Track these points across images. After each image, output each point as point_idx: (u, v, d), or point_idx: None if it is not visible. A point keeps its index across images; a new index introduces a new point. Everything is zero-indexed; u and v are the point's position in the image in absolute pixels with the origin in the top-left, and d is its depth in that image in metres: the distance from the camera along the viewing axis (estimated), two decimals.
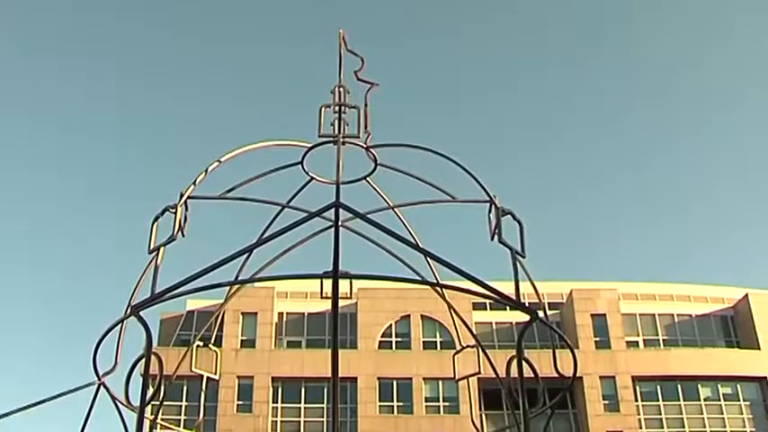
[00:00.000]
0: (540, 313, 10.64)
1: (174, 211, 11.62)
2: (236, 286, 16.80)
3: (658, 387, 67.30)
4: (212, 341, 18.12)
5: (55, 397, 13.34)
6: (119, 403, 13.04)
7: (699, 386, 67.45)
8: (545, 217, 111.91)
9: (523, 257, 11.23)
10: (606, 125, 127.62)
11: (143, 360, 10.05)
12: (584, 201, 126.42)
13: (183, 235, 11.52)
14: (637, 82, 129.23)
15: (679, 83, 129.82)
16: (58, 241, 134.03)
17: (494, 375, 15.34)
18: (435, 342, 67.49)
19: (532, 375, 10.69)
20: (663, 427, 66.07)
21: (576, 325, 67.76)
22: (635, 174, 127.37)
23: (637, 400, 66.38)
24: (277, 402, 66.09)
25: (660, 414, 66.56)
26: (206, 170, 13.19)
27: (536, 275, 12.26)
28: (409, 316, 68.56)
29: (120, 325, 11.69)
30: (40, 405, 13.21)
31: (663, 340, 70.86)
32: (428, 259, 14.42)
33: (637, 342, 70.20)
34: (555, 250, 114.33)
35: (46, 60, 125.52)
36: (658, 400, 67.04)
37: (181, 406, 60.32)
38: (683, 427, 66.19)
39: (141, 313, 10.36)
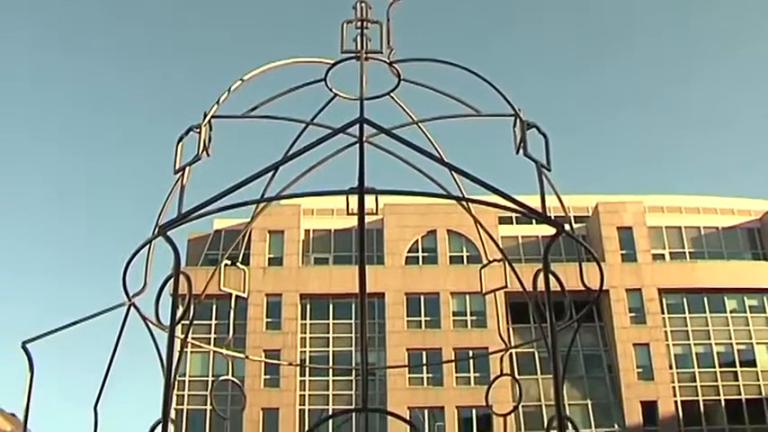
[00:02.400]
0: (567, 226, 10.59)
1: (198, 131, 11.61)
2: (263, 204, 16.82)
3: (684, 299, 67.42)
4: (240, 260, 18.20)
5: (86, 318, 13.48)
6: (149, 323, 13.17)
7: (725, 298, 67.53)
8: (571, 130, 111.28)
9: (549, 170, 11.14)
10: (634, 38, 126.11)
11: (172, 280, 10.11)
12: (610, 114, 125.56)
13: (208, 154, 11.49)
14: None
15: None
16: (83, 165, 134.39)
17: (520, 289, 15.36)
18: (462, 257, 67.69)
19: (559, 288, 10.69)
20: (689, 339, 66.34)
21: (602, 238, 67.77)
22: (661, 87, 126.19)
23: (663, 313, 66.59)
24: (305, 319, 66.71)
25: (686, 326, 66.79)
26: (229, 89, 13.13)
27: (562, 189, 12.15)
28: (435, 231, 68.70)
29: (148, 246, 11.75)
30: (71, 327, 13.35)
31: (689, 253, 70.81)
32: (453, 174, 14.36)
33: (663, 255, 70.19)
34: (581, 163, 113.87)
35: None
36: (684, 313, 67.21)
37: (210, 324, 61.00)
38: (709, 338, 66.44)
39: (169, 233, 10.40)
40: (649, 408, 63.41)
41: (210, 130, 11.80)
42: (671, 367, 65.24)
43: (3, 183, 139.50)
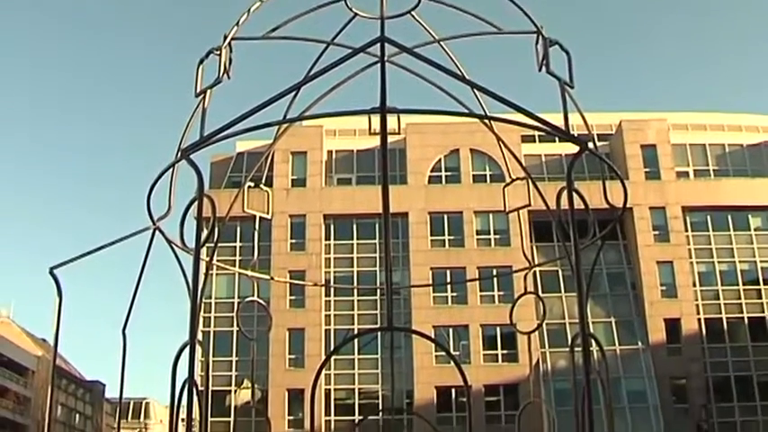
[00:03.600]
0: (590, 144, 10.53)
1: (218, 53, 11.53)
2: (285, 126, 16.80)
3: (708, 217, 67.23)
4: (263, 181, 18.23)
5: (112, 243, 13.58)
6: (174, 246, 13.25)
7: (749, 216, 67.32)
8: (594, 47, 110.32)
9: (572, 88, 11.02)
10: None
11: (196, 203, 10.12)
12: (633, 31, 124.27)
13: (229, 77, 11.42)
14: None
15: None
16: (105, 90, 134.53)
17: (544, 207, 15.35)
18: (485, 175, 67.62)
19: (582, 207, 10.65)
20: (713, 257, 66.30)
21: (626, 156, 67.45)
22: (686, 4, 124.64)
23: (687, 231, 66.48)
24: (329, 239, 67.00)
25: (710, 244, 66.71)
26: (248, 10, 13.03)
27: (585, 107, 12.07)
28: (458, 150, 68.57)
29: (171, 169, 11.75)
30: (97, 252, 13.46)
31: (713, 170, 70.43)
32: (476, 92, 14.28)
33: (687, 172, 69.84)
34: (604, 81, 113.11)
35: None
36: (708, 231, 67.08)
37: (235, 247, 61.36)
38: (733, 256, 66.40)
39: (192, 157, 10.41)
40: (673, 325, 63.65)
41: (231, 52, 11.73)
42: (694, 285, 65.32)
43: (33, 113, 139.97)
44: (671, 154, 68.96)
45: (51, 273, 12.49)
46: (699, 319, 64.38)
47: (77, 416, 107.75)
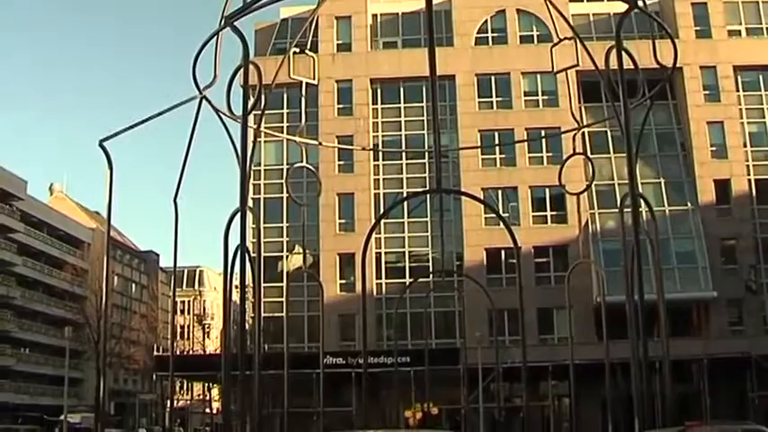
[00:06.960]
0: (639, 2, 10.35)
1: None
2: None
3: (760, 77, 66.10)
4: (308, 47, 18.18)
5: (159, 114, 13.69)
6: (222, 115, 13.33)
7: None
8: None
9: None
10: None
11: (241, 70, 10.13)
12: None
13: None
14: None
15: None
16: None
17: (592, 67, 15.22)
18: (532, 36, 66.69)
19: (632, 66, 10.54)
20: (764, 117, 65.44)
21: (676, 14, 66.03)
22: None
23: (738, 90, 65.44)
24: (377, 103, 66.84)
25: (762, 104, 65.72)
26: None
27: None
28: (504, 10, 67.56)
29: (215, 38, 11.74)
30: (145, 123, 13.57)
31: (766, 28, 68.62)
32: None
33: (739, 31, 68.20)
34: None
35: None
36: (760, 90, 66.04)
37: (282, 113, 61.41)
38: None
39: (236, 24, 10.37)
40: (722, 186, 63.15)
41: None
42: (745, 145, 64.52)
43: None
44: (722, 11, 67.29)
45: (101, 145, 12.66)
46: (749, 180, 63.78)
47: (133, 285, 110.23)
